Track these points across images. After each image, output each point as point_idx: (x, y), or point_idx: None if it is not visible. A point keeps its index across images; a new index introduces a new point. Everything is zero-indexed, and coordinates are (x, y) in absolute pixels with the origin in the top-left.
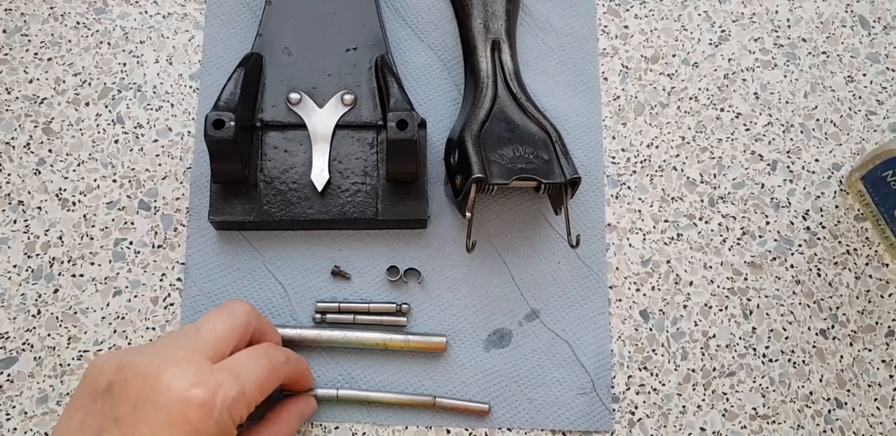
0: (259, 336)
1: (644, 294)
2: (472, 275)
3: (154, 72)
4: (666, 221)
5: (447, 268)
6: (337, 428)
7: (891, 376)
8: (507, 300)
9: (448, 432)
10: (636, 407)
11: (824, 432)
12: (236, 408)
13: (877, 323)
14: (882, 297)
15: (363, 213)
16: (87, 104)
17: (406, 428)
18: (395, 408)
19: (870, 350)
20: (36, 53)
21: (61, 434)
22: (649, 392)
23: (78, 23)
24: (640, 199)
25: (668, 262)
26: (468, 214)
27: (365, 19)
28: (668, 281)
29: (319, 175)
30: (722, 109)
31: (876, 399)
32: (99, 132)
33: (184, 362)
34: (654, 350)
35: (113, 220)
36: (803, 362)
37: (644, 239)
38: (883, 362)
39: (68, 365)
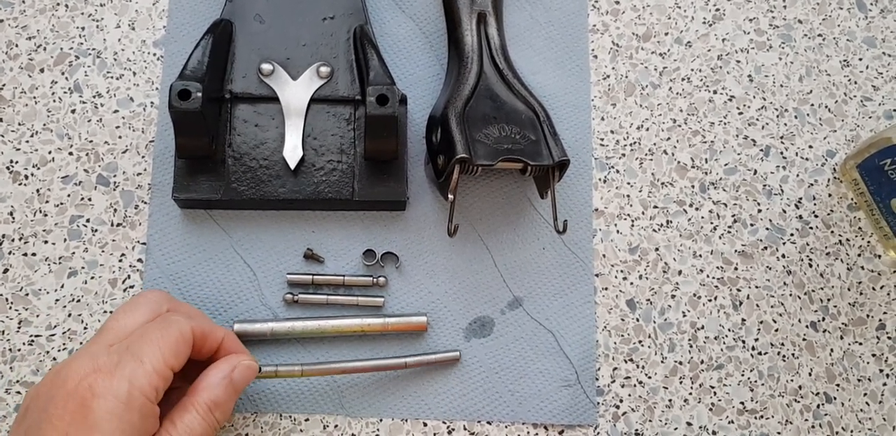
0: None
1: (631, 283)
2: (452, 260)
3: (115, 37)
4: (655, 206)
5: (426, 253)
6: (307, 420)
7: (880, 371)
8: (489, 287)
9: (425, 424)
10: (621, 400)
11: (813, 427)
12: (139, 380)
13: (868, 316)
14: (874, 289)
15: (339, 193)
16: (42, 70)
17: (380, 420)
18: (368, 399)
19: (860, 344)
20: None
21: None
22: (635, 385)
23: None
24: (628, 183)
25: (657, 249)
26: (450, 197)
27: None
28: (656, 270)
29: (292, 152)
30: (715, 92)
31: (865, 394)
32: (54, 101)
33: (81, 354)
34: (640, 341)
35: (68, 195)
36: (793, 355)
37: (632, 225)
38: (873, 356)
39: (18, 350)
